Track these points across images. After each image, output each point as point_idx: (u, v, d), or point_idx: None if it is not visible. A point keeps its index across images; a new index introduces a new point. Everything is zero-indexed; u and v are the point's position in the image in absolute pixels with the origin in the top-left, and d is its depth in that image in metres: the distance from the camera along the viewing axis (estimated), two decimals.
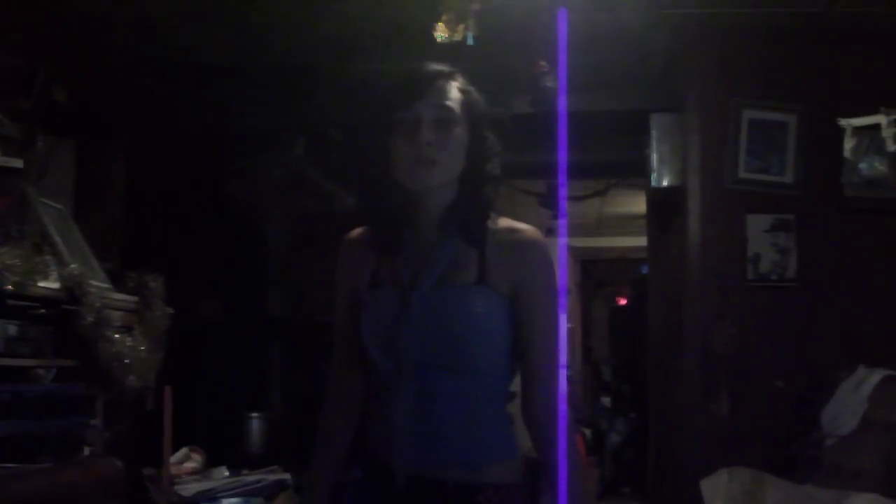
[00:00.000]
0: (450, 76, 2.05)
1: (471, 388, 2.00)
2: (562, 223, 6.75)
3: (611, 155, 6.33)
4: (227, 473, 4.70)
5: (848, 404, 4.26)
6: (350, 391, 2.20)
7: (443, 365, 1.98)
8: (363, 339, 2.06)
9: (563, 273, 7.19)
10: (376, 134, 2.04)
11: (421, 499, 1.99)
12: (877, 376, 4.27)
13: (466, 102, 2.04)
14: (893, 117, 4.50)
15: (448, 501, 1.98)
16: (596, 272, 12.62)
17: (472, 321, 1.97)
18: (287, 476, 4.70)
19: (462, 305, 1.98)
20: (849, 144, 4.62)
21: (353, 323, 2.09)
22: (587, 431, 9.62)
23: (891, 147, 4.51)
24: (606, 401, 11.17)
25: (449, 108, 2.01)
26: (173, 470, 4.49)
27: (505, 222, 2.07)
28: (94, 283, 3.59)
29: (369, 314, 2.05)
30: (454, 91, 2.04)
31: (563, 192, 6.20)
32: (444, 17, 4.28)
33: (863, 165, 4.63)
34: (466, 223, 2.04)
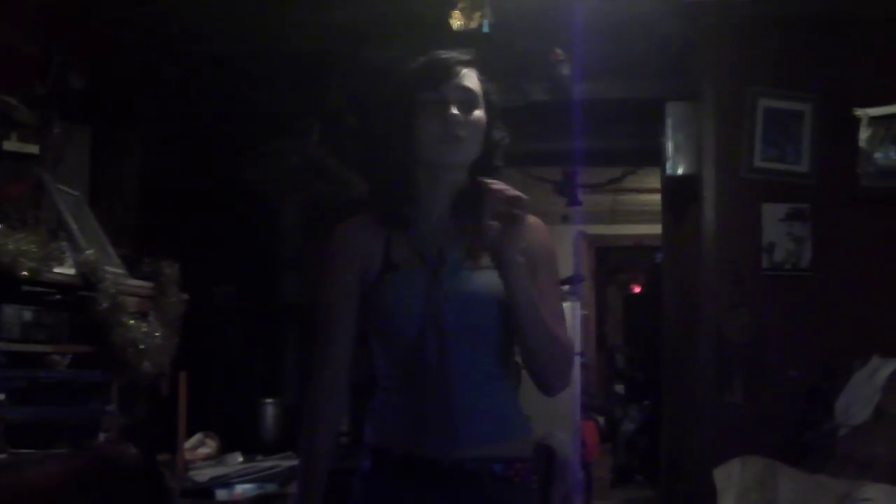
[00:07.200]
0: (471, 64, 2.14)
1: (492, 362, 2.09)
2: (578, 210, 6.76)
3: (625, 143, 6.33)
4: (241, 459, 4.70)
5: (861, 394, 4.25)
6: (344, 387, 2.20)
7: (468, 339, 2.05)
8: (380, 323, 2.10)
9: (579, 260, 7.20)
10: (396, 114, 2.12)
11: (453, 475, 2.03)
12: (891, 366, 4.26)
13: (485, 90, 2.15)
14: None
15: (481, 477, 2.04)
16: (610, 260, 12.60)
17: (496, 296, 2.04)
18: None
19: (486, 281, 2.04)
20: (864, 134, 4.61)
21: (354, 312, 2.13)
22: (601, 419, 9.63)
23: None
24: (620, 388, 11.20)
25: (473, 92, 2.12)
26: (188, 455, 4.51)
27: None
28: (110, 269, 3.59)
29: (390, 295, 2.09)
30: (475, 77, 2.14)
31: (579, 180, 6.22)
32: (460, 5, 4.29)
33: (878, 155, 4.62)
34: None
